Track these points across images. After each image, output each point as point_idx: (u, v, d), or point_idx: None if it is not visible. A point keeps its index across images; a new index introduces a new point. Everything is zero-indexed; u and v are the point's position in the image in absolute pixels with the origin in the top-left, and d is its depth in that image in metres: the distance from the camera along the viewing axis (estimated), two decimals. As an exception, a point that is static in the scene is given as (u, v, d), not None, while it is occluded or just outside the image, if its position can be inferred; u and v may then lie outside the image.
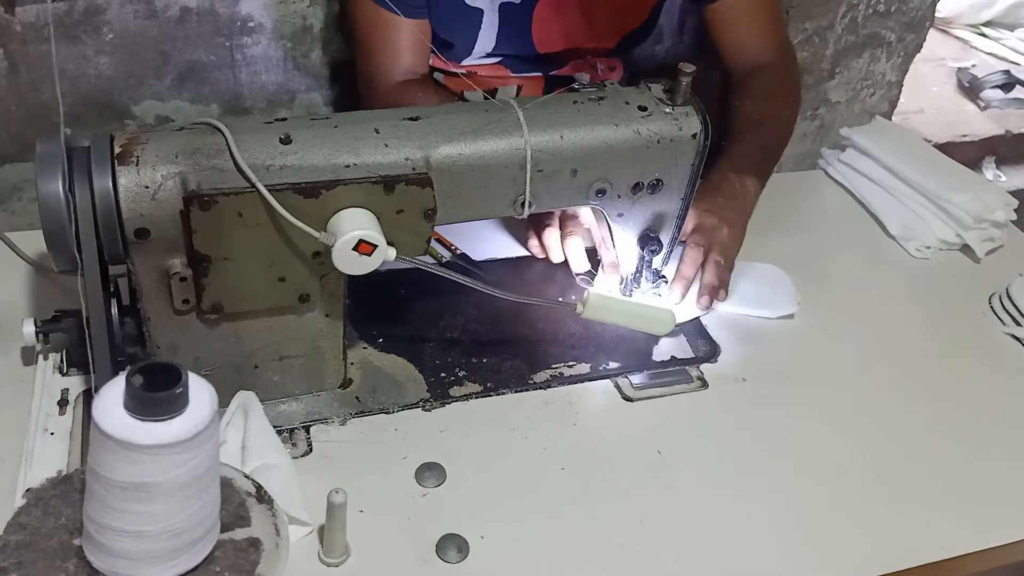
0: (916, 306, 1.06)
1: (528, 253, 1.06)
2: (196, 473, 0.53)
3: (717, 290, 0.96)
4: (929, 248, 1.14)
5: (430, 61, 1.20)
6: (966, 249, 1.15)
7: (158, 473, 0.52)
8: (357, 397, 0.85)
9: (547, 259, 1.03)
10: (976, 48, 2.63)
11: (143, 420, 0.51)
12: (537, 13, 1.16)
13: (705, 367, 0.93)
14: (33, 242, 0.94)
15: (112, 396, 0.52)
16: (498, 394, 0.87)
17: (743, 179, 1.03)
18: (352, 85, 1.49)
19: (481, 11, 1.14)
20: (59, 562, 0.56)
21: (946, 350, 0.99)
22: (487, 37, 1.16)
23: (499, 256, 1.05)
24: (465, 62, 1.22)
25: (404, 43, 1.14)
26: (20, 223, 1.40)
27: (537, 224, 1.02)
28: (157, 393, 0.51)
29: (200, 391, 0.53)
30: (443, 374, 0.89)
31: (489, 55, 1.20)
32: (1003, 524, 0.80)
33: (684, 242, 0.96)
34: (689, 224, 0.96)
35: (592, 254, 1.00)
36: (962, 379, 0.96)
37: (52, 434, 0.78)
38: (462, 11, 1.14)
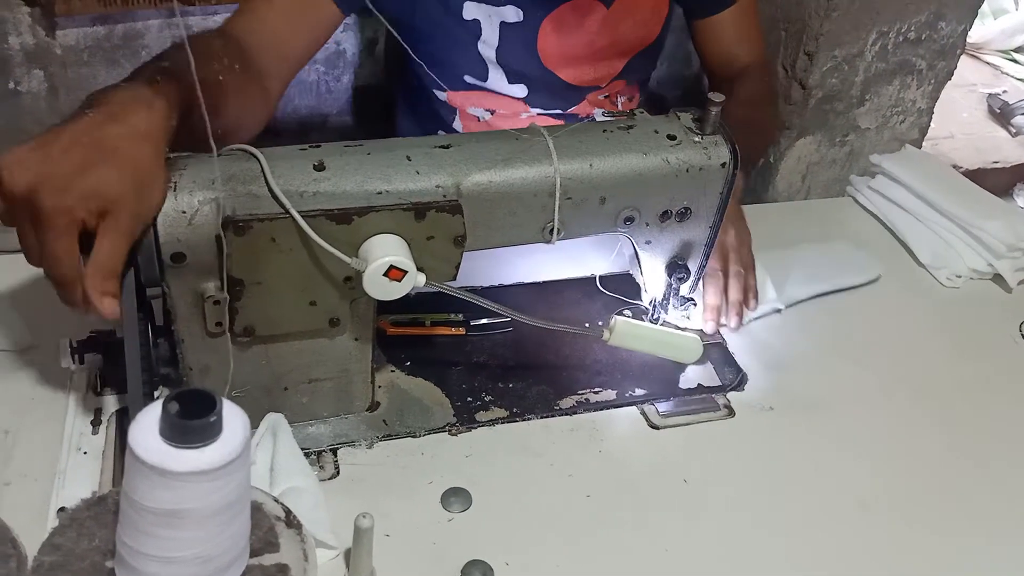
0: (946, 335, 1.05)
1: (553, 279, 1.06)
2: (228, 500, 0.54)
3: (745, 302, 0.99)
4: (960, 277, 1.13)
5: (444, 97, 1.19)
6: (997, 278, 1.14)
7: (190, 500, 0.52)
8: (384, 420, 0.86)
9: (572, 285, 1.04)
10: (1007, 74, 2.61)
11: (177, 447, 0.51)
12: (543, 30, 1.15)
13: (732, 395, 0.93)
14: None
15: (147, 422, 0.53)
16: (524, 420, 0.88)
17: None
18: (383, 110, 1.51)
19: (478, 22, 1.13)
20: (91, 583, 0.57)
21: (976, 380, 0.98)
22: (487, 50, 1.15)
23: (526, 281, 1.06)
24: (482, 85, 1.21)
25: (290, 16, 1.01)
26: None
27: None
28: (192, 420, 0.52)
29: (233, 418, 0.54)
30: (470, 399, 0.89)
31: (496, 64, 1.17)
32: (1035, 561, 0.79)
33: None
34: None
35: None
36: (993, 409, 0.95)
37: (85, 453, 0.79)
38: (459, 24, 1.13)
